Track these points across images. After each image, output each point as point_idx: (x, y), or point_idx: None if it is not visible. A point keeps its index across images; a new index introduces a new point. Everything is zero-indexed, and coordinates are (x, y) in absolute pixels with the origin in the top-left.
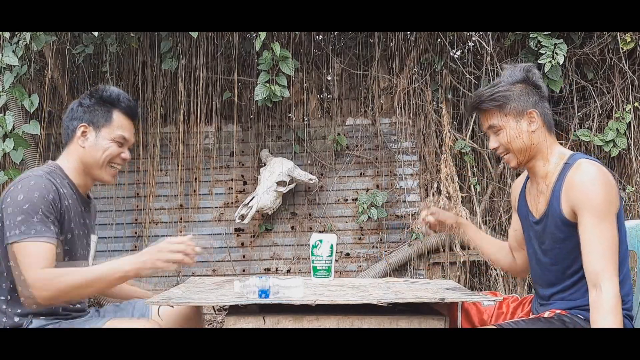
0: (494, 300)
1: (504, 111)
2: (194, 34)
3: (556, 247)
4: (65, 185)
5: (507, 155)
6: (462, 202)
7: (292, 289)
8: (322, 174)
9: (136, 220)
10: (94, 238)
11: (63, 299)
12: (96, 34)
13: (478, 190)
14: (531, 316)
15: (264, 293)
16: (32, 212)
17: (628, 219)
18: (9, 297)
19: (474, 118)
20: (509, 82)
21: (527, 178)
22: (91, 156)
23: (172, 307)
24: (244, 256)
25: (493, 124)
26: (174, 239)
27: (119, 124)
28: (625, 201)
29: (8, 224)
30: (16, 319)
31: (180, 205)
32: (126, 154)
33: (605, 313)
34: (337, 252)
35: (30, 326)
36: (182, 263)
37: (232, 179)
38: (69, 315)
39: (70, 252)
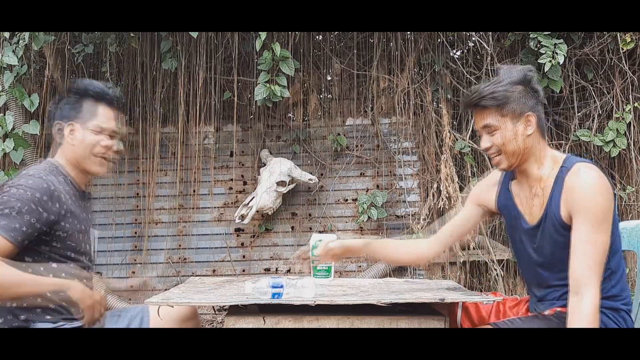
0: (492, 300)
1: (502, 112)
2: (194, 34)
3: (557, 252)
4: (64, 182)
5: (499, 157)
6: (462, 202)
7: (305, 290)
8: (322, 174)
9: (136, 220)
10: (95, 233)
11: None
12: (96, 32)
13: None
14: (530, 314)
15: (277, 295)
16: (4, 207)
17: (628, 219)
18: None
19: (474, 118)
20: (508, 82)
21: (506, 178)
22: (82, 152)
23: (172, 307)
24: (244, 256)
25: (489, 123)
26: (97, 295)
27: (105, 117)
28: (625, 201)
29: None
30: (22, 317)
31: (180, 206)
32: (117, 146)
33: (585, 324)
34: None
35: (35, 326)
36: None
37: (232, 179)
38: (73, 320)
39: (75, 247)
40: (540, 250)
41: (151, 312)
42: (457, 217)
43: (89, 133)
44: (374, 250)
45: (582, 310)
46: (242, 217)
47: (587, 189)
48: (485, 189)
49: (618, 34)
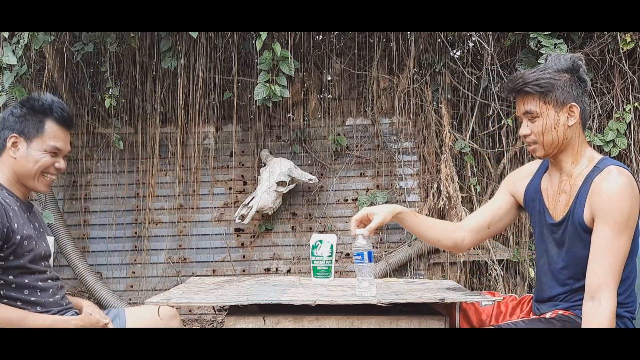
0: (492, 301)
1: (545, 99)
2: (194, 34)
3: (577, 252)
4: (6, 195)
5: (535, 145)
6: (462, 202)
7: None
8: (322, 174)
9: (136, 220)
10: (50, 240)
11: None
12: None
13: (478, 190)
14: (532, 316)
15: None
16: None
17: None
18: None
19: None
20: (554, 69)
21: (540, 172)
22: (22, 167)
23: (173, 307)
24: (244, 256)
25: (530, 109)
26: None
27: (52, 135)
28: None
29: None
30: None
31: (180, 206)
32: (60, 164)
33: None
34: (337, 252)
35: None
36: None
37: (232, 179)
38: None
39: (34, 254)
40: (560, 248)
41: (127, 313)
42: (490, 204)
43: (37, 151)
44: (407, 220)
45: (600, 317)
46: (242, 217)
47: (613, 193)
48: (519, 178)
49: (618, 34)
